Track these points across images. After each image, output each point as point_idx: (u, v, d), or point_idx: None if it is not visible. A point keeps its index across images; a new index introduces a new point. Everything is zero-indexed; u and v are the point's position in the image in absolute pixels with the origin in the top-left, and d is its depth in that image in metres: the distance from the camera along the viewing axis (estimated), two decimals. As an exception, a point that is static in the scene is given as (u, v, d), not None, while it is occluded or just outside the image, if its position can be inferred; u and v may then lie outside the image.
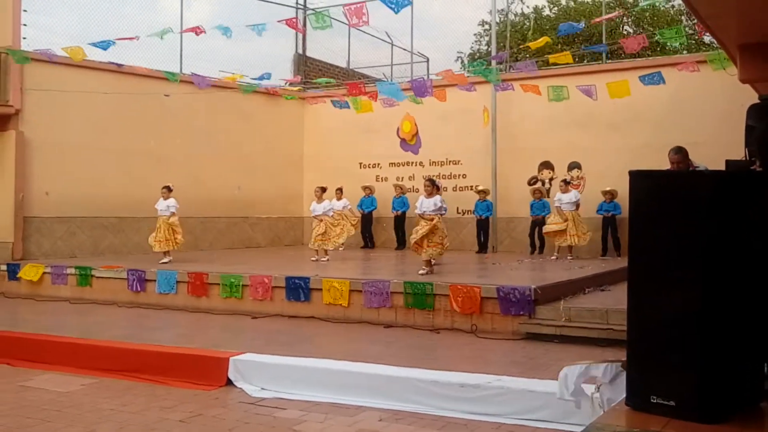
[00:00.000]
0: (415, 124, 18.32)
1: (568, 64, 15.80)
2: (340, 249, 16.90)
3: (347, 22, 12.66)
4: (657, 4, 22.39)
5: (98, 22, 15.86)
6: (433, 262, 11.17)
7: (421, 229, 11.09)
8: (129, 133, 15.94)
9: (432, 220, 11.07)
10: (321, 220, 13.91)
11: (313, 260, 13.53)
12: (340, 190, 17.15)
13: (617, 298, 9.04)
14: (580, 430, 4.01)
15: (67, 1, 16.31)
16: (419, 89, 14.81)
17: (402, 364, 6.89)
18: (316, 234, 13.85)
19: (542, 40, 14.73)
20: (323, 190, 14.34)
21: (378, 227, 18.29)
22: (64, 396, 6.77)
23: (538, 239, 15.57)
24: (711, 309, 4.01)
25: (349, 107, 17.03)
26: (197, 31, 14.43)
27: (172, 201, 13.67)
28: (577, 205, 14.47)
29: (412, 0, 11.75)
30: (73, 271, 12.64)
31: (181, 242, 13.80)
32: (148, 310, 11.22)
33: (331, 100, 17.63)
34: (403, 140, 18.58)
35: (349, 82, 17.32)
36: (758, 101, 7.85)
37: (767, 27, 7.38)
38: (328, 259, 13.67)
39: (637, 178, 4.41)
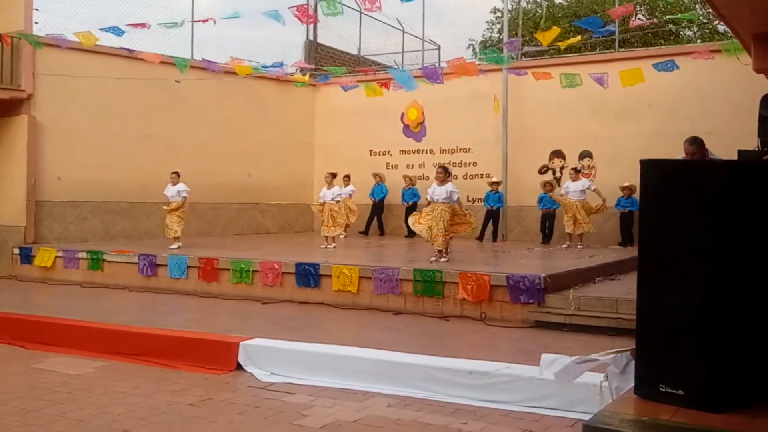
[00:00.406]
0: (422, 113, 18.27)
1: (580, 53, 15.73)
2: (342, 236, 16.94)
3: (359, 9, 12.67)
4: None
5: (110, 8, 15.89)
6: (444, 250, 11.15)
7: (427, 215, 11.13)
8: (140, 118, 15.99)
9: (438, 210, 11.08)
10: (330, 208, 13.90)
11: (322, 247, 13.55)
12: (347, 177, 17.13)
13: (627, 287, 9.03)
14: (588, 418, 4.01)
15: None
16: (431, 75, 14.76)
17: (411, 350, 6.92)
18: (326, 221, 13.87)
19: (553, 32, 14.64)
20: (333, 176, 14.37)
21: (388, 214, 18.28)
22: (75, 378, 6.84)
23: (548, 230, 15.53)
24: (722, 299, 4.00)
25: (358, 86, 17.01)
26: (211, 21, 14.44)
27: (182, 186, 13.68)
28: (584, 192, 14.39)
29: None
30: (84, 255, 12.73)
31: (177, 230, 13.69)
32: (159, 294, 11.29)
33: (342, 86, 17.61)
34: (406, 126, 18.54)
35: (361, 68, 17.29)
36: (772, 91, 7.80)
37: (782, 16, 7.32)
38: (334, 246, 13.67)
39: (649, 167, 4.39)
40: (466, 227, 11.42)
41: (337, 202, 14.33)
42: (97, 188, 15.19)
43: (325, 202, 14.05)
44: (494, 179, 16.45)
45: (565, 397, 5.62)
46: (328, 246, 13.64)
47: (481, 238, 16.15)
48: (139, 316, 9.16)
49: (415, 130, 18.46)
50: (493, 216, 16.27)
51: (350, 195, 16.96)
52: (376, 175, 17.95)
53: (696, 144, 6.96)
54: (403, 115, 18.54)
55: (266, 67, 16.22)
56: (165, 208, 13.82)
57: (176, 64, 15.31)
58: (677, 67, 14.03)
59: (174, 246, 13.22)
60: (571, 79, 14.86)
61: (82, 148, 14.98)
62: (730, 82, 13.87)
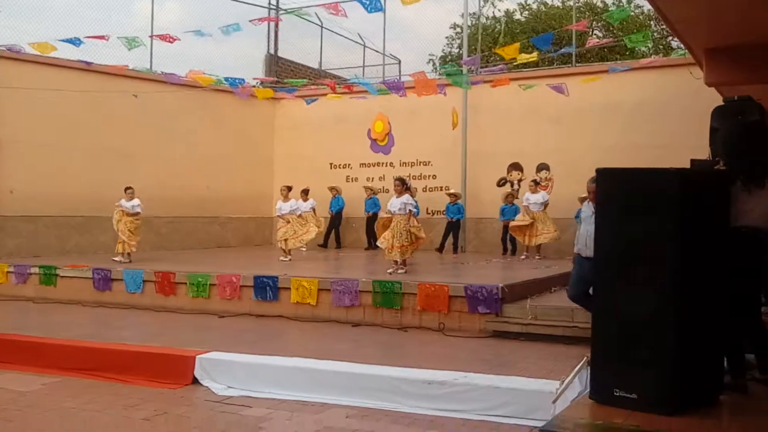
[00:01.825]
0: (388, 123, 18.30)
1: (537, 67, 15.96)
2: (303, 250, 16.84)
3: (320, 23, 12.73)
4: (628, 12, 22.67)
5: (70, 26, 15.66)
6: (399, 261, 11.15)
7: (387, 232, 11.17)
8: (97, 131, 15.73)
9: (398, 222, 11.12)
10: (288, 221, 13.83)
11: (282, 260, 13.44)
12: (305, 192, 17.05)
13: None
14: (544, 423, 4.03)
15: (40, 6, 16.06)
16: (393, 87, 14.86)
17: (369, 361, 6.88)
18: (282, 234, 13.79)
19: (513, 47, 14.82)
20: (289, 189, 14.31)
21: (347, 227, 18.24)
22: (24, 395, 6.65)
23: (510, 242, 15.64)
24: (673, 304, 4.07)
25: (318, 99, 17.09)
26: (169, 39, 14.35)
27: (137, 201, 13.40)
28: (545, 205, 14.59)
29: (383, 7, 11.84)
30: (36, 270, 12.42)
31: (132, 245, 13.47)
32: (114, 309, 11.06)
33: (305, 99, 17.64)
34: (374, 141, 18.55)
35: (322, 80, 17.32)
36: (722, 104, 7.99)
37: (732, 31, 7.51)
38: (290, 259, 13.56)
39: (604, 175, 4.47)
40: (415, 246, 11.39)
41: (299, 215, 14.22)
42: (51, 202, 14.88)
43: (282, 215, 13.95)
44: (452, 191, 16.55)
45: (522, 405, 5.65)
46: (283, 258, 13.52)
47: (441, 249, 16.20)
48: (92, 330, 8.94)
49: (382, 143, 18.43)
50: (452, 227, 16.34)
51: (312, 209, 16.90)
52: (332, 189, 17.90)
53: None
54: (369, 131, 18.52)
55: (229, 80, 16.12)
56: (120, 217, 13.40)
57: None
58: (620, 69, 14.28)
59: (118, 258, 12.95)
60: (528, 86, 15.07)
61: (36, 161, 14.67)
62: (683, 96, 14.14)
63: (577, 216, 14.95)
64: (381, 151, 18.48)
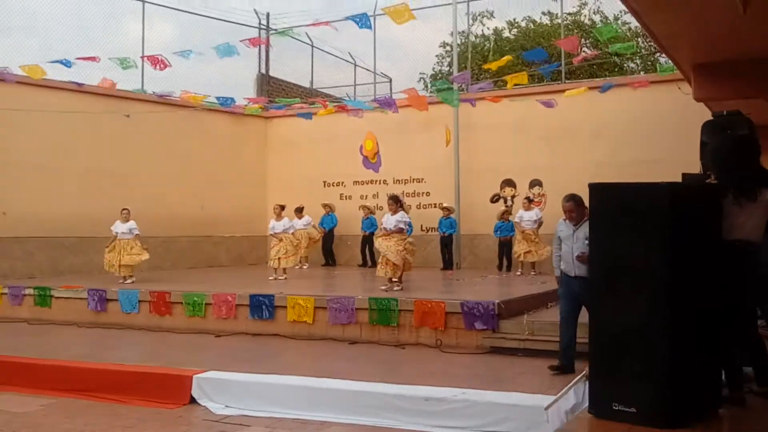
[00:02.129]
0: (377, 143, 18.40)
1: (526, 85, 16.09)
2: (305, 267, 16.87)
3: (310, 43, 12.85)
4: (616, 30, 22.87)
5: (60, 46, 15.66)
6: (394, 279, 11.18)
7: (385, 249, 11.19)
8: (89, 152, 15.76)
9: (391, 239, 11.15)
10: (280, 239, 13.83)
11: (271, 279, 13.39)
12: (299, 210, 17.10)
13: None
14: (544, 438, 4.06)
15: (29, 25, 16.12)
16: (385, 104, 14.96)
17: (367, 379, 6.89)
18: (276, 252, 13.77)
19: (503, 60, 14.96)
20: (282, 208, 14.30)
21: (341, 245, 18.25)
22: (22, 416, 6.64)
23: (506, 259, 15.67)
24: (669, 318, 4.11)
25: (311, 118, 17.16)
26: (161, 64, 14.41)
27: (133, 224, 13.38)
28: (539, 223, 14.67)
29: (371, 25, 11.95)
30: (31, 291, 12.38)
31: (139, 260, 13.48)
32: (110, 330, 11.03)
33: (298, 113, 17.73)
34: (365, 158, 18.62)
35: (313, 99, 17.43)
36: (711, 118, 8.08)
37: (719, 46, 7.62)
38: (286, 278, 13.55)
39: (597, 190, 4.53)
40: (402, 269, 11.36)
41: (293, 233, 14.22)
42: (44, 223, 14.86)
43: (275, 234, 13.95)
44: (445, 205, 16.61)
45: (521, 420, 5.66)
46: (278, 277, 13.53)
47: (445, 266, 16.22)
48: (88, 351, 8.92)
49: (373, 161, 18.50)
50: (446, 242, 16.38)
51: (307, 226, 16.97)
52: (325, 206, 17.94)
53: (573, 201, 6.95)
54: (361, 147, 18.57)
55: (220, 100, 16.20)
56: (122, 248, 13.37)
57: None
58: (612, 85, 14.44)
59: (128, 281, 12.94)
60: (519, 99, 15.22)
61: (29, 182, 14.68)
62: (673, 112, 14.29)
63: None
64: (372, 168, 18.54)
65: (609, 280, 4.40)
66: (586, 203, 4.50)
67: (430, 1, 18.20)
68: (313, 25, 13.83)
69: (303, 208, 17.20)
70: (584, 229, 6.70)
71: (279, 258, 13.73)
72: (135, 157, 16.58)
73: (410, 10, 12.14)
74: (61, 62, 13.23)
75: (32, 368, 7.92)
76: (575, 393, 5.20)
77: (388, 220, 11.38)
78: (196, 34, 18.22)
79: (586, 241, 6.59)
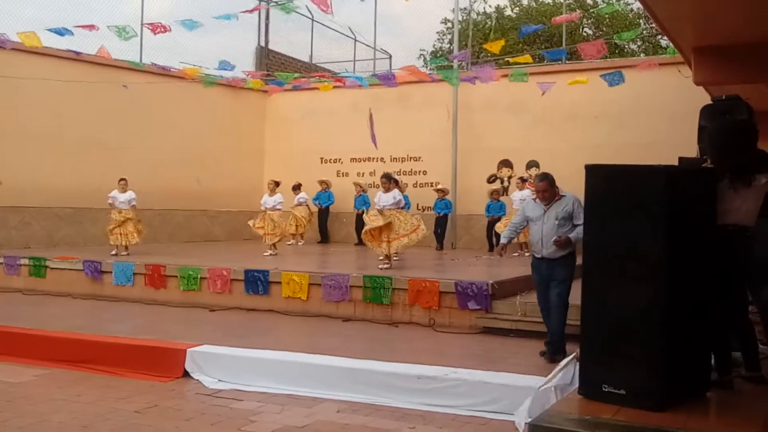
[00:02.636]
0: (369, 120, 18.04)
1: (528, 63, 16.01)
2: (300, 244, 16.89)
3: (310, 16, 12.73)
4: (616, 7, 22.73)
5: (58, 12, 15.55)
6: (393, 257, 11.25)
7: (376, 220, 11.20)
8: (87, 122, 15.69)
9: (387, 215, 11.16)
10: (270, 215, 13.77)
11: (266, 255, 13.40)
12: (297, 187, 17.07)
13: (572, 294, 9.14)
14: (532, 418, 4.09)
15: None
16: (384, 78, 14.87)
17: (360, 356, 6.92)
18: (266, 229, 13.73)
19: (498, 43, 14.84)
20: (277, 184, 14.28)
21: (337, 222, 18.26)
22: (15, 386, 6.66)
23: (495, 238, 15.69)
24: (661, 301, 4.13)
25: (310, 86, 17.09)
26: (162, 29, 14.25)
27: (131, 194, 13.39)
28: (530, 201, 14.66)
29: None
30: (26, 261, 12.39)
31: (134, 242, 13.51)
32: (104, 302, 11.06)
33: (293, 86, 17.62)
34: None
35: (312, 73, 17.31)
36: (711, 103, 8.05)
37: (721, 30, 7.58)
38: (274, 253, 13.51)
39: (593, 171, 4.52)
40: (414, 235, 11.41)
41: (278, 210, 14.02)
42: (40, 193, 14.83)
43: (266, 210, 13.91)
44: (440, 186, 16.60)
45: (513, 400, 5.70)
46: (270, 252, 13.50)
47: (439, 246, 16.24)
48: (83, 323, 8.95)
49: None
50: (440, 222, 16.40)
51: (302, 202, 16.95)
52: (322, 182, 17.92)
53: (546, 180, 6.95)
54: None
55: (217, 69, 16.09)
56: (117, 216, 13.35)
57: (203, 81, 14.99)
58: (623, 81, 14.38)
59: (123, 253, 12.95)
60: (519, 77, 15.09)
61: (25, 151, 14.62)
62: (672, 95, 14.25)
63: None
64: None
65: (603, 262, 4.41)
66: (582, 184, 4.48)
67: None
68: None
69: (300, 185, 17.17)
70: (555, 209, 6.86)
71: (269, 234, 13.71)
72: (132, 128, 16.51)
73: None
74: (57, 31, 13.08)
75: (26, 338, 7.94)
76: (565, 374, 5.24)
77: (381, 197, 11.38)
78: (194, 3, 18.10)
79: (556, 221, 6.78)
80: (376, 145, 16.44)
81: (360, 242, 17.05)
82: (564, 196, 6.95)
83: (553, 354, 6.82)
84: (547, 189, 6.91)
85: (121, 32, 14.02)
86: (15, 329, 8.27)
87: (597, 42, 14.55)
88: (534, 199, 7.12)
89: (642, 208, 4.17)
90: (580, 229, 6.61)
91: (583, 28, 26.60)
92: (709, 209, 4.55)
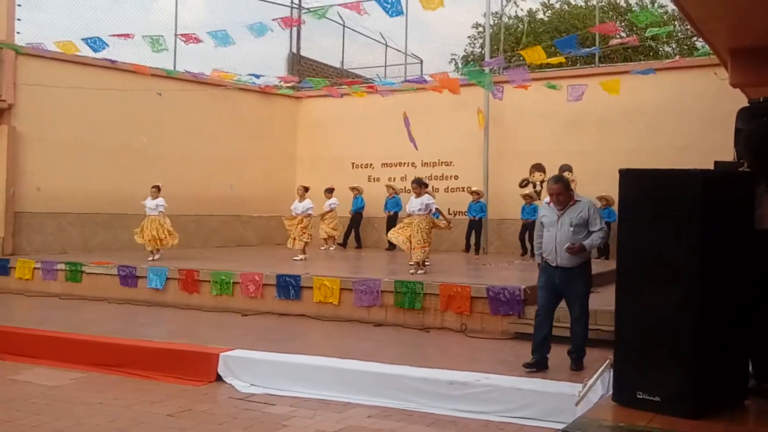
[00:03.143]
0: (404, 122, 18.05)
1: (560, 66, 15.89)
2: (331, 249, 16.95)
3: (342, 22, 12.78)
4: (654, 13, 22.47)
5: (93, 21, 15.80)
6: (426, 262, 11.25)
7: (406, 227, 11.22)
8: (121, 129, 15.92)
9: (415, 223, 11.17)
10: (301, 221, 13.73)
11: (295, 259, 13.42)
12: (330, 191, 17.15)
13: (606, 299, 9.02)
14: (566, 425, 4.04)
15: (63, 1, 16.26)
16: (415, 82, 14.87)
17: (391, 361, 6.92)
18: (293, 234, 13.73)
19: (535, 50, 14.73)
20: (306, 189, 14.18)
21: (369, 228, 18.27)
22: (53, 389, 6.78)
23: (528, 242, 15.60)
24: (698, 307, 4.06)
25: (344, 95, 17.16)
26: (195, 40, 14.39)
27: (161, 200, 13.58)
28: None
29: (404, 11, 11.87)
30: (63, 266, 12.61)
31: (174, 244, 13.70)
32: (139, 306, 11.20)
33: (330, 95, 17.73)
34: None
35: (344, 80, 17.35)
36: (747, 105, 7.91)
37: (757, 30, 7.45)
38: (303, 258, 13.47)
39: (627, 176, 4.47)
40: (423, 251, 11.29)
41: (309, 215, 13.94)
42: (76, 199, 15.09)
43: (296, 215, 13.88)
44: (474, 188, 16.54)
45: (545, 406, 5.66)
46: (301, 257, 13.46)
47: (468, 249, 16.22)
48: (118, 327, 9.08)
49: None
50: (475, 226, 16.34)
51: (332, 208, 17.01)
52: (353, 189, 17.94)
53: (561, 183, 6.61)
54: (407, 121, 17.94)
55: (249, 76, 16.23)
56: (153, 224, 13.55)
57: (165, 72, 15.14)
58: (653, 72, 14.22)
59: (151, 258, 13.11)
60: (551, 84, 15.05)
61: (62, 158, 14.89)
62: (707, 97, 14.04)
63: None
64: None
65: (637, 266, 4.35)
66: (616, 190, 4.41)
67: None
68: (345, 5, 13.70)
69: (333, 189, 17.23)
70: (569, 214, 6.55)
71: (294, 239, 13.72)
72: (166, 135, 16.74)
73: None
74: (93, 42, 13.28)
75: (63, 342, 8.08)
76: (602, 383, 5.17)
77: (412, 203, 11.37)
78: (228, 11, 18.27)
79: (571, 228, 6.47)
80: (416, 146, 16.46)
81: (390, 247, 17.04)
82: (579, 200, 6.67)
83: (578, 360, 6.81)
84: (562, 192, 6.57)
85: (155, 44, 14.19)
86: (52, 333, 8.41)
87: (610, 24, 14.27)
88: (548, 203, 6.83)
89: (678, 212, 4.10)
90: (595, 236, 6.51)
91: (617, 33, 26.30)
92: (747, 214, 4.47)
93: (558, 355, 7.50)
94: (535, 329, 6.89)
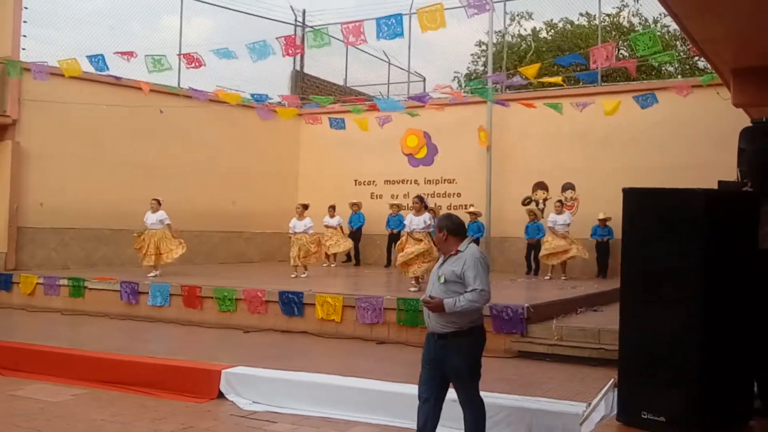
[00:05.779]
0: (423, 136, 18.25)
1: (561, 86, 15.94)
2: (333, 266, 16.93)
3: (344, 41, 12.86)
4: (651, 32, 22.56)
5: (99, 38, 15.88)
6: (422, 279, 11.23)
7: (410, 248, 11.18)
8: (125, 145, 15.98)
9: (421, 241, 11.15)
10: (299, 238, 13.64)
11: (293, 276, 13.34)
12: (332, 208, 17.16)
13: (609, 318, 9.05)
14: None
15: (69, 16, 16.36)
16: (418, 100, 14.94)
17: (394, 379, 6.89)
18: (295, 252, 13.55)
19: (534, 67, 14.81)
20: (305, 207, 14.04)
21: (371, 244, 18.25)
22: (54, 406, 6.75)
23: (534, 261, 15.59)
24: (703, 327, 4.04)
25: (344, 128, 17.22)
26: (197, 63, 14.49)
27: (163, 214, 13.58)
28: (568, 226, 14.52)
29: (403, 33, 11.95)
30: (66, 282, 12.61)
31: (182, 253, 13.69)
32: (141, 322, 11.19)
33: (329, 118, 17.78)
34: (410, 156, 18.46)
35: (346, 97, 17.43)
36: (750, 125, 7.93)
37: (760, 51, 7.47)
38: (306, 275, 13.50)
39: (630, 195, 4.47)
40: (426, 266, 11.23)
41: (311, 234, 13.79)
42: (79, 214, 15.12)
43: (295, 233, 13.74)
44: (473, 209, 16.53)
45: (547, 426, 5.63)
46: (300, 275, 13.42)
47: None
48: (120, 343, 9.06)
49: (419, 156, 18.36)
50: (472, 246, 16.29)
51: (338, 225, 17.05)
52: (353, 204, 17.94)
53: (442, 229, 5.23)
54: (401, 146, 18.48)
55: (254, 97, 16.31)
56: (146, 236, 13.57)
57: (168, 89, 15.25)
58: (656, 102, 14.29)
59: (151, 274, 13.08)
60: (554, 106, 15.10)
61: (65, 174, 14.93)
62: (710, 117, 14.07)
63: (594, 234, 14.96)
64: (421, 163, 18.36)
65: (640, 286, 4.34)
66: (620, 207, 4.39)
67: (465, -1, 18.07)
68: (347, 23, 13.79)
69: (335, 206, 17.24)
70: (445, 267, 5.10)
71: (298, 257, 13.54)
72: (169, 151, 16.81)
73: (443, 9, 12.01)
74: (97, 66, 13.39)
75: (65, 358, 8.06)
76: (606, 403, 5.15)
77: (413, 220, 11.39)
78: (232, 29, 18.37)
79: (441, 284, 5.04)
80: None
81: (390, 264, 17.05)
82: (461, 252, 5.12)
83: None
84: (439, 241, 5.26)
85: (156, 64, 14.25)
86: (54, 349, 8.40)
87: (607, 45, 14.33)
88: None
89: (680, 232, 4.10)
90: (465, 296, 4.92)
91: (619, 50, 26.40)
92: (751, 233, 4.47)
93: (562, 373, 7.49)
94: (418, 415, 5.27)
